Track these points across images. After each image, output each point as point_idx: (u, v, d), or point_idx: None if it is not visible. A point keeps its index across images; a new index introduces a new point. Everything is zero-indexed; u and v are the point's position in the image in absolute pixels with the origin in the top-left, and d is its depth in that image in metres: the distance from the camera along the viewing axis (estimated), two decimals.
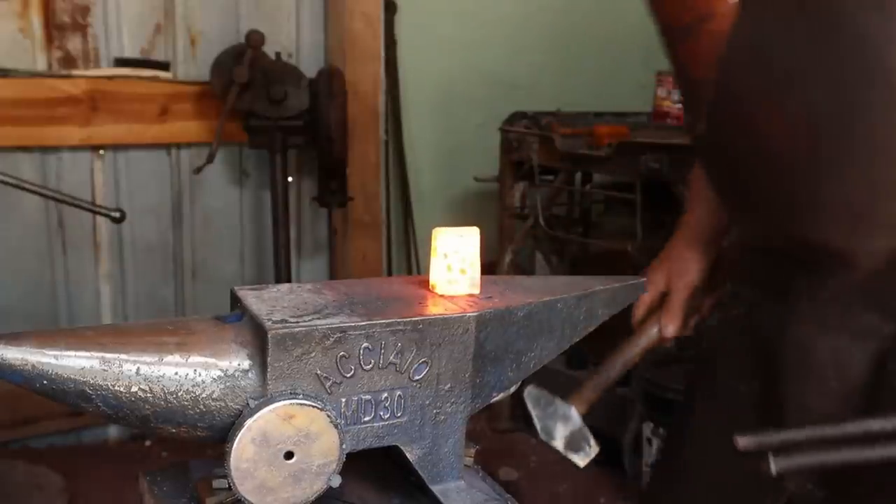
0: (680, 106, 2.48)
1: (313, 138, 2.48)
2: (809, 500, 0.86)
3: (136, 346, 0.60)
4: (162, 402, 0.60)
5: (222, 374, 0.61)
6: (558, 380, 2.41)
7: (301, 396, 0.61)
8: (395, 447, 0.67)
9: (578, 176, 2.72)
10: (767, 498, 0.90)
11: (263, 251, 2.78)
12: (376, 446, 0.67)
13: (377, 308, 0.67)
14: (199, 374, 0.61)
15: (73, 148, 2.44)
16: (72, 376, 0.58)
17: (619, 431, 2.21)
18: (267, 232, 2.63)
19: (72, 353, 0.58)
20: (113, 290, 2.59)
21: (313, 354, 0.62)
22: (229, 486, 0.60)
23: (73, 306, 2.54)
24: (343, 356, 0.63)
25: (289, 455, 0.61)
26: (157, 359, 0.60)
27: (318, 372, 0.62)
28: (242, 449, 0.59)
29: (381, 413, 0.66)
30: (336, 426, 0.62)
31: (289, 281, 2.48)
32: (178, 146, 2.60)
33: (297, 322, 0.62)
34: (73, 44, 2.41)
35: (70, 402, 0.59)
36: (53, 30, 2.38)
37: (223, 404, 0.61)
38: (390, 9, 2.84)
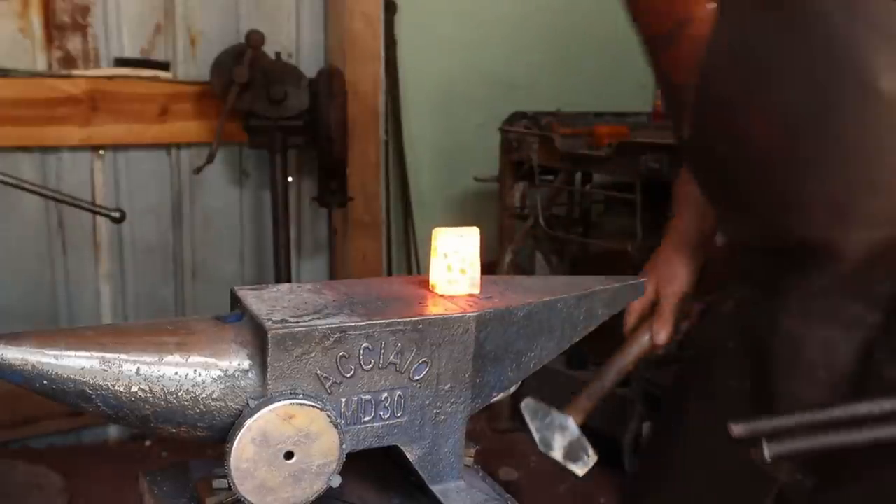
0: None
1: (313, 138, 2.48)
2: (799, 489, 0.87)
3: (136, 346, 0.60)
4: (162, 402, 0.60)
5: (222, 374, 0.61)
6: (558, 380, 2.42)
7: (301, 396, 0.61)
8: (395, 447, 0.67)
9: (578, 176, 2.72)
10: (760, 491, 0.91)
11: (263, 251, 2.78)
12: (376, 446, 0.67)
13: (377, 308, 0.67)
14: (199, 374, 0.61)
15: (73, 148, 2.45)
16: (72, 376, 0.58)
17: (619, 431, 2.21)
18: (267, 232, 2.63)
19: (72, 353, 0.58)
20: (113, 290, 2.59)
21: (313, 354, 0.62)
22: (229, 486, 0.60)
23: (73, 306, 2.54)
24: (343, 356, 0.63)
25: (289, 455, 0.61)
26: (157, 359, 0.60)
27: (318, 372, 0.62)
28: (242, 449, 0.59)
29: (381, 413, 0.66)
30: (336, 426, 0.62)
31: (289, 281, 2.48)
32: (178, 146, 2.60)
33: (297, 322, 0.62)
34: (73, 44, 2.41)
35: (70, 402, 0.59)
36: (53, 30, 2.38)
37: (223, 404, 0.61)
38: (390, 9, 2.84)
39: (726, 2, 0.78)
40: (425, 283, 0.74)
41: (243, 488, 0.60)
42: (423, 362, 0.66)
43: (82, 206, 1.94)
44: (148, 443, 2.62)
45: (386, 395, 0.65)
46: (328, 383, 0.63)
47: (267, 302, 0.66)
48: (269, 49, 2.44)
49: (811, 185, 0.78)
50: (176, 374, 0.60)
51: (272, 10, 2.67)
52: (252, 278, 2.79)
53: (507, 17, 3.12)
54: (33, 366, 0.57)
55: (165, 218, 2.64)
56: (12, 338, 0.58)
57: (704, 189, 0.97)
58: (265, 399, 0.61)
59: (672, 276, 1.13)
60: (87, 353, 0.59)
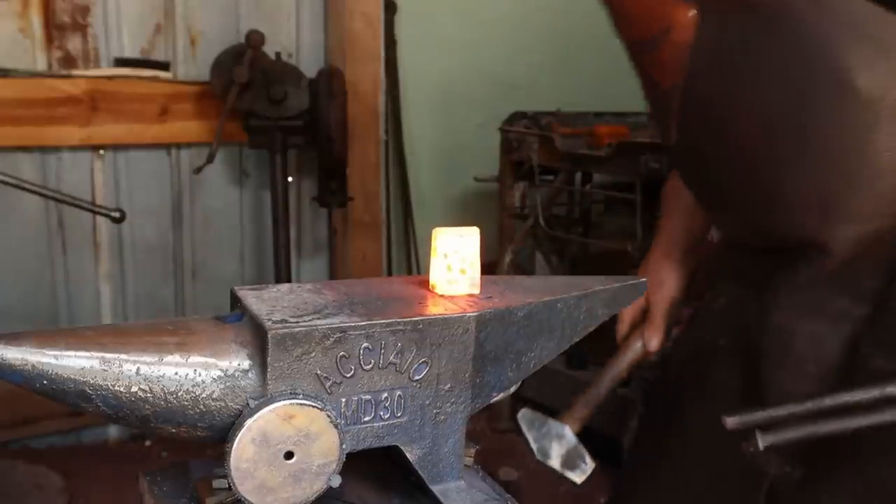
0: None
1: (313, 138, 2.48)
2: (788, 482, 0.88)
3: (136, 346, 0.60)
4: (162, 402, 0.60)
5: (222, 374, 0.61)
6: (558, 380, 2.42)
7: (301, 396, 0.61)
8: (395, 447, 0.67)
9: (578, 176, 2.72)
10: (752, 486, 0.92)
11: (263, 251, 2.78)
12: (376, 446, 0.67)
13: (377, 308, 0.67)
14: (199, 374, 0.61)
15: (73, 148, 2.44)
16: (72, 376, 0.58)
17: (619, 431, 2.21)
18: (267, 232, 2.63)
19: (72, 353, 0.58)
20: (113, 290, 2.59)
21: (313, 354, 0.62)
22: (229, 486, 0.60)
23: (73, 306, 2.54)
24: (343, 356, 0.63)
25: (289, 455, 0.61)
26: (157, 359, 0.60)
27: (318, 372, 0.62)
28: (242, 449, 0.59)
29: (381, 413, 0.66)
30: (336, 426, 0.62)
31: (289, 281, 2.48)
32: (178, 146, 2.60)
33: (297, 322, 0.62)
34: (73, 44, 2.41)
35: (70, 402, 0.59)
36: (53, 30, 2.38)
37: (223, 404, 0.61)
38: (390, 9, 2.84)
39: (706, 7, 0.80)
40: (425, 283, 0.74)
41: (243, 488, 0.60)
42: (423, 362, 0.66)
43: (82, 206, 1.94)
44: (148, 443, 2.62)
45: (386, 395, 0.65)
46: (328, 383, 0.63)
47: (267, 302, 0.66)
48: (269, 49, 2.44)
49: (794, 183, 0.79)
50: (176, 374, 0.60)
51: (272, 10, 2.67)
52: (252, 278, 2.78)
53: (507, 17, 3.11)
54: (33, 366, 0.57)
55: (165, 218, 2.64)
56: (12, 338, 0.58)
57: (692, 190, 0.99)
58: (265, 399, 0.61)
59: (661, 282, 1.15)
60: (87, 353, 0.59)
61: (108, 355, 0.59)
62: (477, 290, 0.72)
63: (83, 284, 2.55)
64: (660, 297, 1.15)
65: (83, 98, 2.38)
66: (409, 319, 0.65)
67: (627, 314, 1.19)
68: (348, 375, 0.63)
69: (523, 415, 1.19)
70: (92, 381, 0.58)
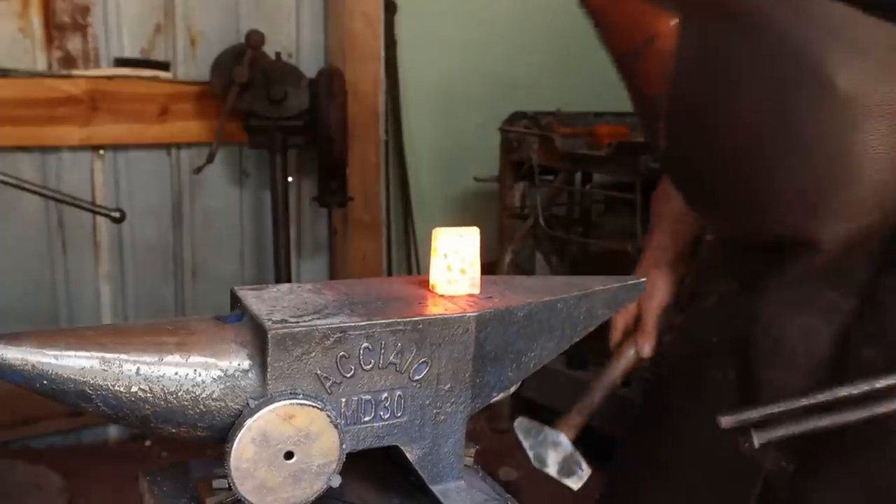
0: None
1: (313, 138, 2.48)
2: (784, 476, 0.90)
3: (136, 346, 0.60)
4: (162, 402, 0.60)
5: (222, 374, 0.61)
6: (558, 380, 2.42)
7: (301, 396, 0.61)
8: (395, 447, 0.67)
9: (578, 176, 2.72)
10: (747, 480, 0.93)
11: (263, 251, 2.78)
12: (376, 446, 0.67)
13: (377, 308, 0.67)
14: (199, 374, 0.61)
15: (73, 148, 2.44)
16: (72, 376, 0.58)
17: (620, 431, 2.21)
18: (267, 232, 2.63)
19: (72, 353, 0.58)
20: (113, 290, 2.59)
21: (313, 354, 0.62)
22: (229, 486, 0.60)
23: (73, 306, 2.54)
24: (343, 356, 0.63)
25: (289, 455, 0.61)
26: (157, 359, 0.60)
27: (318, 372, 0.62)
28: (242, 449, 0.59)
29: (381, 413, 0.66)
30: (336, 426, 0.62)
31: (289, 281, 2.48)
32: (178, 146, 2.60)
33: (297, 322, 0.62)
34: (73, 44, 2.41)
35: (70, 402, 0.59)
36: (53, 30, 2.38)
37: (223, 404, 0.61)
38: (390, 9, 2.84)
39: (688, 16, 0.82)
40: (425, 283, 0.74)
41: (243, 488, 0.60)
42: (423, 362, 0.66)
43: (82, 206, 1.94)
44: (148, 443, 2.62)
45: (386, 395, 0.65)
46: (328, 383, 0.63)
47: (267, 302, 0.66)
48: (269, 49, 2.44)
49: (782, 182, 0.81)
50: (176, 374, 0.60)
51: (272, 10, 2.67)
52: (252, 278, 2.78)
53: (507, 17, 3.11)
54: (33, 366, 0.57)
55: (165, 218, 2.64)
56: (12, 338, 0.58)
57: (683, 193, 1.01)
58: (265, 399, 0.61)
59: (652, 290, 1.17)
60: (87, 353, 0.59)
61: (108, 355, 0.59)
62: (477, 290, 0.72)
63: (83, 284, 2.55)
64: (651, 304, 1.17)
65: (83, 98, 2.38)
66: (409, 319, 0.65)
67: (620, 321, 1.21)
68: (348, 375, 0.63)
69: (520, 423, 1.20)
70: (92, 381, 0.58)
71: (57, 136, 2.39)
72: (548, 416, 1.31)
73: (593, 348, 1.24)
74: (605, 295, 0.79)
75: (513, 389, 0.76)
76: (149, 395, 0.60)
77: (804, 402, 0.71)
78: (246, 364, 0.62)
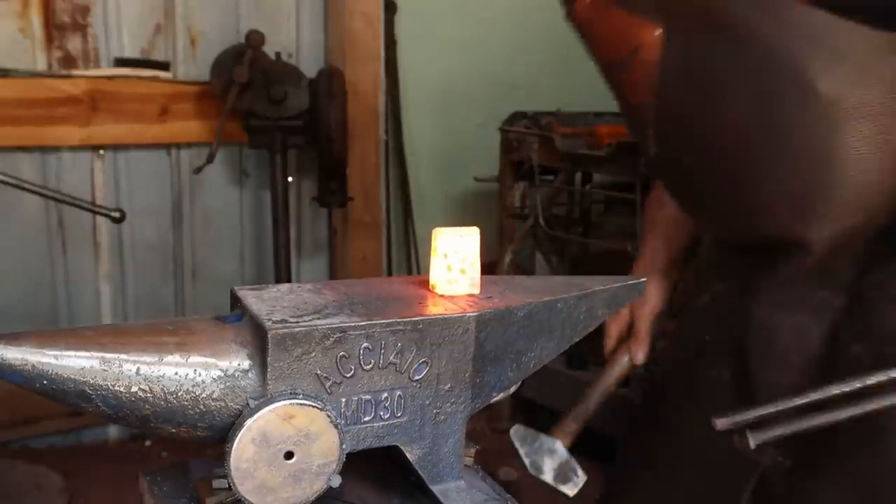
0: None
1: (313, 138, 2.48)
2: (780, 471, 0.91)
3: (136, 346, 0.60)
4: (162, 402, 0.60)
5: (222, 374, 0.61)
6: (558, 380, 2.42)
7: (301, 396, 0.61)
8: (395, 447, 0.68)
9: (578, 176, 2.72)
10: (743, 475, 0.94)
11: (263, 251, 2.78)
12: (376, 446, 0.67)
13: (377, 308, 0.67)
14: (199, 374, 0.61)
15: (73, 148, 2.44)
16: (72, 376, 0.58)
17: (620, 431, 2.21)
18: (267, 232, 2.63)
19: (72, 353, 0.58)
20: (113, 290, 2.59)
21: (313, 354, 0.62)
22: (229, 486, 0.60)
23: (73, 306, 2.54)
24: (343, 356, 0.63)
25: (289, 455, 0.61)
26: (157, 359, 0.60)
27: (318, 372, 0.62)
28: (242, 449, 0.59)
29: (381, 413, 0.66)
30: (336, 426, 0.62)
31: (289, 281, 2.48)
32: (178, 146, 2.60)
33: (297, 322, 0.62)
34: (73, 44, 2.41)
35: (70, 402, 0.59)
36: (53, 30, 2.38)
37: (223, 404, 0.61)
38: (390, 9, 2.84)
39: (672, 27, 0.83)
40: (425, 283, 0.74)
41: (243, 488, 0.60)
42: (423, 362, 0.66)
43: (82, 206, 1.94)
44: (148, 443, 2.62)
45: (386, 395, 0.65)
46: (328, 383, 0.63)
47: (267, 302, 0.66)
48: (269, 49, 2.44)
49: (771, 186, 0.83)
50: (176, 374, 0.60)
51: (272, 10, 2.67)
52: (252, 278, 2.78)
53: (507, 17, 3.11)
54: (33, 366, 0.57)
55: (165, 218, 2.64)
56: (12, 338, 0.58)
57: (675, 197, 1.03)
58: (265, 399, 0.61)
59: (645, 298, 1.18)
60: (87, 353, 0.59)
61: (108, 355, 0.59)
62: (477, 290, 0.72)
63: (83, 284, 2.55)
64: (644, 311, 1.19)
65: (83, 98, 2.38)
66: (409, 319, 0.65)
67: (614, 329, 1.22)
68: (348, 375, 0.63)
69: (515, 431, 1.22)
70: (92, 381, 0.58)
71: (57, 136, 2.39)
72: (548, 415, 1.32)
73: (593, 348, 1.25)
74: (605, 295, 0.79)
75: (513, 389, 0.76)
76: (149, 395, 0.60)
77: (798, 401, 0.73)
78: (246, 364, 0.62)
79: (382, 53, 2.78)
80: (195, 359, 0.61)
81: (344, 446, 0.63)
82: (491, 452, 1.20)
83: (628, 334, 1.22)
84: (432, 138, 3.08)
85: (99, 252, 2.55)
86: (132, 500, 0.77)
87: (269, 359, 0.60)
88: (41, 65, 2.37)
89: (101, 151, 2.49)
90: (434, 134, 3.08)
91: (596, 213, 2.88)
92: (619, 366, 1.22)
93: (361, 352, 0.63)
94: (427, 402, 0.67)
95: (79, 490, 2.28)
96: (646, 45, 0.85)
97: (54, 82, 2.35)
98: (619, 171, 2.38)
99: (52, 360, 0.58)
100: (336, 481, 0.63)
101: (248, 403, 0.61)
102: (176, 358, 0.60)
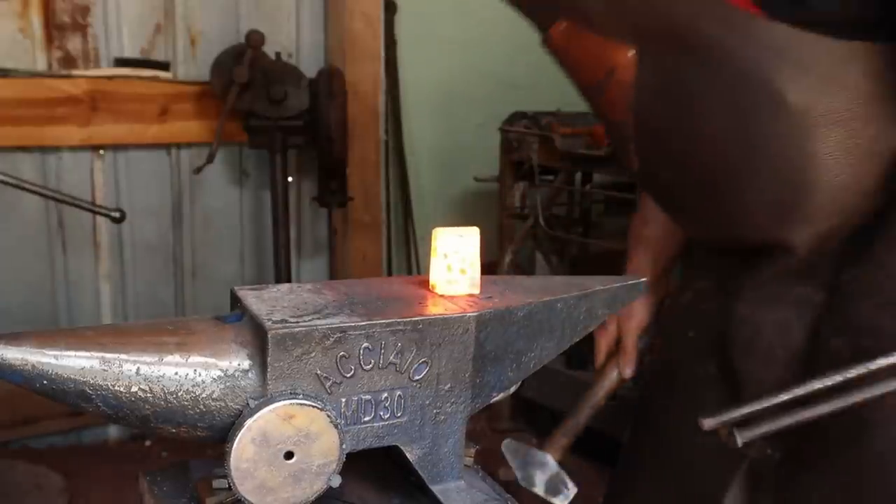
0: None
1: (313, 138, 2.48)
2: (768, 463, 0.93)
3: (136, 346, 0.60)
4: (162, 402, 0.60)
5: (222, 374, 0.61)
6: (558, 380, 2.42)
7: (301, 396, 0.61)
8: (395, 447, 0.68)
9: (578, 176, 2.72)
10: (730, 467, 0.96)
11: (263, 251, 2.78)
12: (376, 446, 0.67)
13: (377, 308, 0.67)
14: (199, 374, 0.61)
15: (73, 148, 2.45)
16: (72, 376, 0.58)
17: (620, 432, 2.21)
18: (267, 232, 2.63)
19: (72, 353, 0.58)
20: (113, 290, 2.59)
21: (313, 354, 0.62)
22: (229, 486, 0.60)
23: (73, 306, 2.54)
24: (343, 356, 0.63)
25: (289, 455, 0.61)
26: (157, 359, 0.60)
27: (318, 372, 0.62)
28: (242, 449, 0.59)
29: (381, 413, 0.66)
30: (336, 426, 0.62)
31: (289, 281, 2.48)
32: (178, 146, 2.60)
33: (297, 322, 0.62)
34: (73, 44, 2.41)
35: (70, 402, 0.59)
36: (53, 30, 2.38)
37: (223, 404, 0.61)
38: (390, 9, 2.83)
39: (644, 49, 0.86)
40: (425, 283, 0.74)
41: (243, 488, 0.60)
42: (423, 362, 0.66)
43: (82, 206, 1.94)
44: (148, 443, 2.62)
45: (386, 395, 0.65)
46: (328, 383, 0.63)
47: (267, 302, 0.66)
48: (269, 49, 2.44)
49: (750, 195, 0.87)
50: (176, 374, 0.60)
51: (272, 10, 2.67)
52: (252, 278, 2.78)
53: (507, 17, 3.08)
54: (33, 366, 0.57)
55: (165, 218, 2.64)
56: (12, 338, 0.58)
57: (660, 207, 1.06)
58: (265, 399, 0.61)
59: (632, 313, 1.22)
60: (87, 353, 0.59)
61: (108, 355, 0.59)
62: (477, 290, 0.72)
63: (83, 284, 2.55)
64: (631, 326, 1.22)
65: (83, 98, 2.38)
66: (409, 319, 0.65)
67: (603, 344, 1.26)
68: (348, 375, 0.63)
69: (507, 445, 1.27)
70: (92, 381, 0.58)
71: (57, 136, 2.39)
72: (548, 415, 1.33)
73: (593, 348, 1.27)
74: (605, 295, 0.79)
75: (513, 389, 0.76)
76: (149, 395, 0.60)
77: (783, 397, 0.75)
78: (246, 364, 0.62)
79: (382, 53, 2.78)
80: (195, 359, 0.61)
81: (344, 446, 0.63)
82: (491, 452, 1.21)
83: (617, 349, 1.25)
84: (432, 138, 3.08)
85: (99, 252, 2.55)
86: (132, 500, 0.77)
87: (269, 359, 0.60)
88: (41, 65, 2.37)
89: (101, 151, 2.49)
90: (434, 134, 3.08)
91: (596, 213, 2.88)
92: (609, 380, 1.26)
93: (361, 352, 0.63)
94: (427, 402, 0.67)
95: (79, 490, 2.28)
96: (620, 66, 0.88)
97: (54, 82, 2.35)
98: (619, 171, 2.38)
99: (52, 360, 0.58)
100: (336, 481, 0.63)
101: (248, 403, 0.61)
102: (176, 358, 0.60)
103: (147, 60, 2.51)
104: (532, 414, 2.68)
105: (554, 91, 3.13)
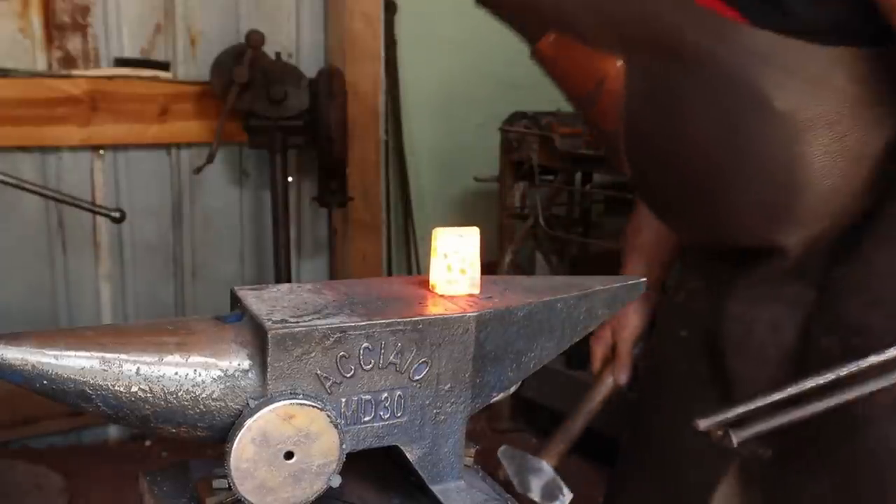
0: None
1: (313, 138, 2.48)
2: (759, 461, 0.94)
3: (136, 346, 0.60)
4: (162, 402, 0.60)
5: (222, 374, 0.61)
6: (558, 380, 2.42)
7: (301, 396, 0.61)
8: (395, 447, 0.68)
9: (578, 176, 2.72)
10: (721, 465, 0.97)
11: (263, 251, 2.78)
12: (376, 446, 0.67)
13: (377, 308, 0.67)
14: (199, 374, 0.61)
15: (73, 148, 2.44)
16: (72, 376, 0.58)
17: (619, 432, 2.21)
18: (267, 232, 2.63)
19: (72, 353, 0.58)
20: (113, 290, 2.59)
21: (313, 354, 0.62)
22: (229, 486, 0.60)
23: (73, 306, 2.54)
24: (343, 356, 0.63)
25: (289, 455, 0.61)
26: (157, 359, 0.60)
27: (318, 372, 0.62)
28: (242, 449, 0.59)
29: (381, 413, 0.66)
30: (336, 426, 0.62)
31: (289, 281, 2.48)
32: (178, 146, 2.60)
33: (297, 322, 0.62)
34: (73, 44, 2.41)
35: (70, 402, 0.59)
36: (53, 30, 2.38)
37: (223, 404, 0.61)
38: (390, 9, 2.83)
39: (632, 59, 0.87)
40: (425, 283, 0.74)
41: (243, 488, 0.60)
42: (423, 362, 0.66)
43: (82, 206, 1.94)
44: (148, 443, 2.62)
45: (386, 395, 0.65)
46: (328, 383, 0.63)
47: (267, 302, 0.66)
48: (269, 49, 2.44)
49: (741, 199, 0.88)
50: (176, 374, 0.60)
51: (272, 10, 2.67)
52: (252, 278, 2.78)
53: None
54: (33, 366, 0.57)
55: (165, 218, 2.64)
56: (12, 338, 0.58)
57: (654, 213, 1.07)
58: (265, 399, 0.61)
59: (626, 321, 1.24)
60: (87, 353, 0.59)
61: (108, 355, 0.59)
62: (477, 290, 0.72)
63: (83, 284, 2.55)
64: (625, 334, 1.24)
65: (83, 98, 2.38)
66: (409, 319, 0.65)
67: (599, 351, 1.28)
68: (348, 375, 0.63)
69: (504, 451, 1.29)
70: (92, 381, 0.58)
71: (57, 136, 2.39)
72: (548, 415, 1.34)
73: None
74: (605, 295, 0.79)
75: (513, 389, 0.76)
76: (149, 395, 0.60)
77: (776, 396, 0.75)
78: (246, 364, 0.62)
79: (382, 53, 2.78)
80: (195, 359, 0.61)
81: (344, 446, 0.63)
82: (491, 452, 1.22)
83: (612, 356, 1.27)
84: (432, 138, 3.08)
85: (99, 252, 2.55)
86: (132, 500, 0.77)
87: (269, 359, 0.60)
88: (41, 65, 2.37)
89: (101, 151, 2.49)
90: (434, 134, 3.08)
91: (596, 213, 2.88)
92: (604, 387, 1.27)
93: (361, 352, 0.63)
94: (427, 402, 0.67)
95: (79, 490, 2.28)
96: (609, 76, 0.89)
97: (54, 82, 2.35)
98: (618, 172, 2.37)
99: (52, 360, 0.58)
100: (336, 481, 0.63)
101: (248, 403, 0.61)
102: (176, 358, 0.60)
103: (147, 60, 2.51)
104: (532, 414, 2.68)
105: (554, 91, 3.12)
